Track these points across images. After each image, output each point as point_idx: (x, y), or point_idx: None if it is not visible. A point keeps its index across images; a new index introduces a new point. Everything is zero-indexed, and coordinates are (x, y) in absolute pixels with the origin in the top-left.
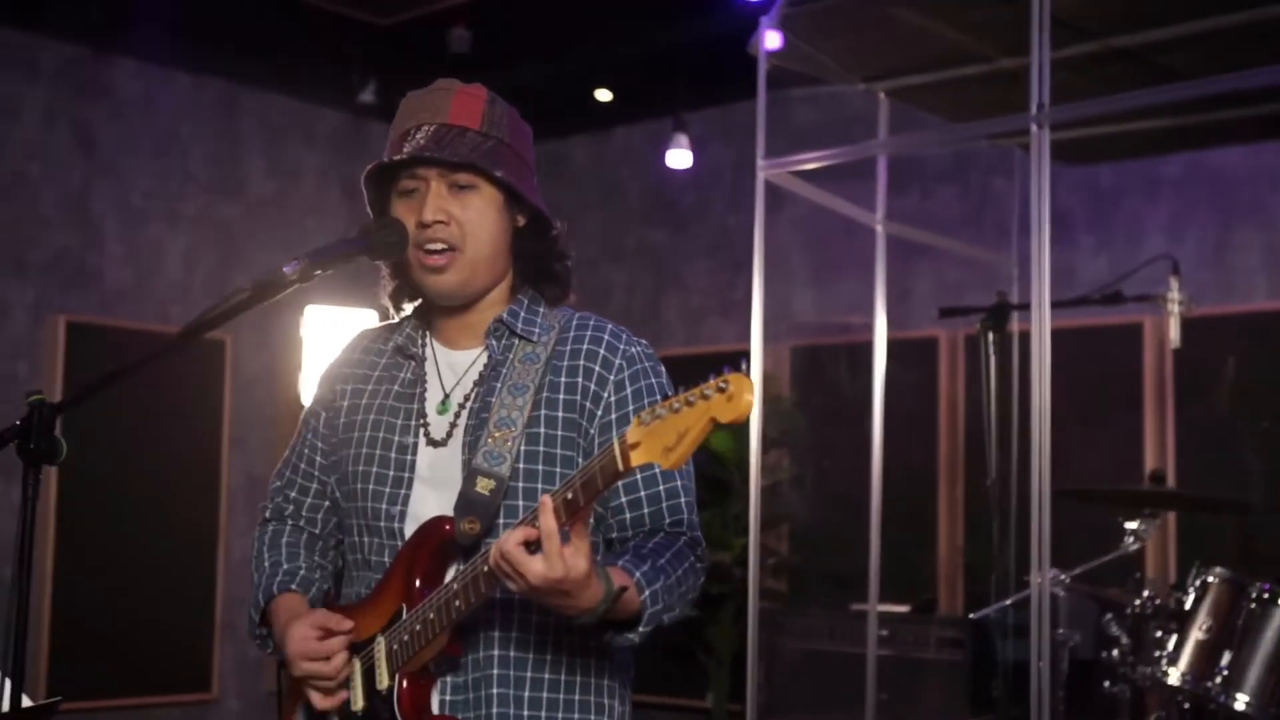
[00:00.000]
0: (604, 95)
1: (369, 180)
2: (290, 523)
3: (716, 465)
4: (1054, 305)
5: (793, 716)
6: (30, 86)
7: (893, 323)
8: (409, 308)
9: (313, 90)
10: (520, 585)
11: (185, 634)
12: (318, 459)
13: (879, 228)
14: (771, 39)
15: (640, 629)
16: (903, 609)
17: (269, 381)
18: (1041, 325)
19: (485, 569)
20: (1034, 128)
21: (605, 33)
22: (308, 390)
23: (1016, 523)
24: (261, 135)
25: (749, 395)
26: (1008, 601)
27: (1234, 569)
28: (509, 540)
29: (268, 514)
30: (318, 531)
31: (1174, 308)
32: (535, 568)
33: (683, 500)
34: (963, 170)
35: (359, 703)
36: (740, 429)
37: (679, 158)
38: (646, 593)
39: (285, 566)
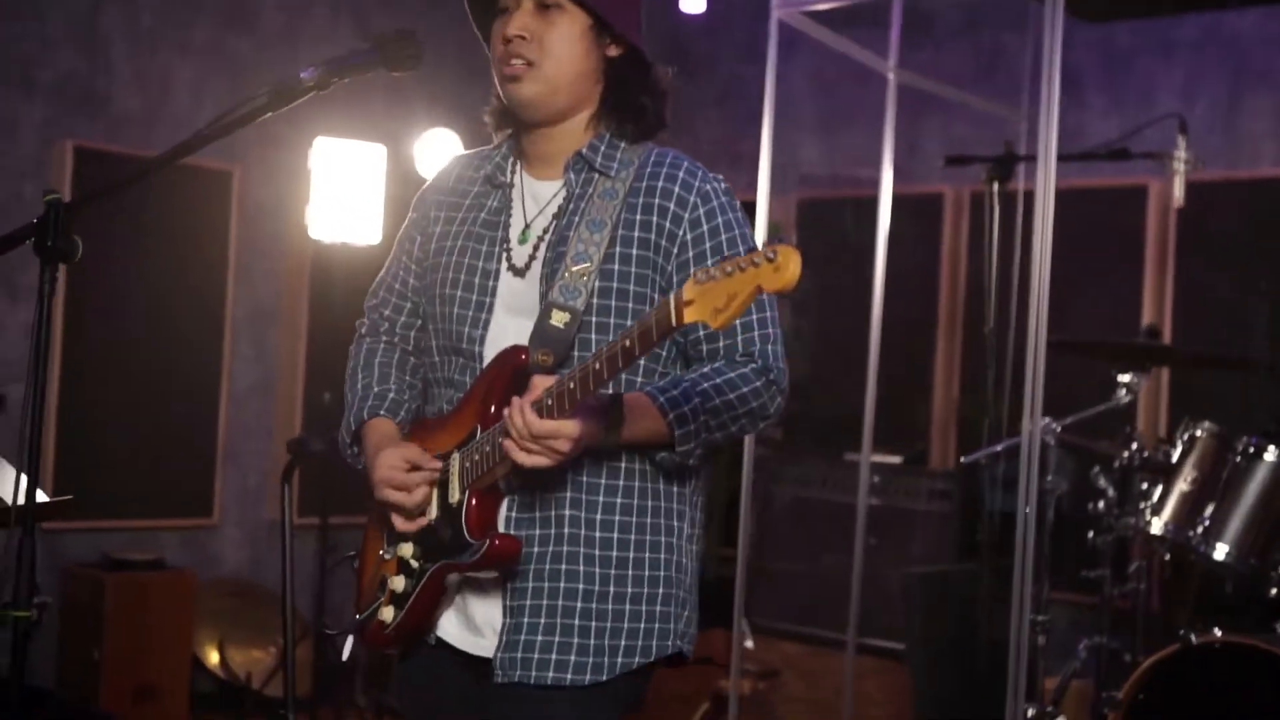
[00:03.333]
0: None
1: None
2: (385, 339)
3: None
4: (1060, 159)
5: (783, 563)
6: None
7: (899, 177)
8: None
9: None
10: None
11: (188, 461)
12: (410, 280)
13: (891, 76)
14: None
15: (678, 448)
16: (895, 460)
17: (276, 213)
18: (1048, 174)
19: (549, 403)
20: None
21: None
22: (316, 223)
23: (1011, 373)
24: None
25: (795, 268)
26: (999, 447)
27: (1230, 425)
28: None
29: (364, 330)
30: (410, 349)
31: (1180, 166)
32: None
33: (757, 334)
34: (975, 25)
35: (432, 513)
36: None
37: (692, 1)
38: (671, 415)
39: (376, 390)
